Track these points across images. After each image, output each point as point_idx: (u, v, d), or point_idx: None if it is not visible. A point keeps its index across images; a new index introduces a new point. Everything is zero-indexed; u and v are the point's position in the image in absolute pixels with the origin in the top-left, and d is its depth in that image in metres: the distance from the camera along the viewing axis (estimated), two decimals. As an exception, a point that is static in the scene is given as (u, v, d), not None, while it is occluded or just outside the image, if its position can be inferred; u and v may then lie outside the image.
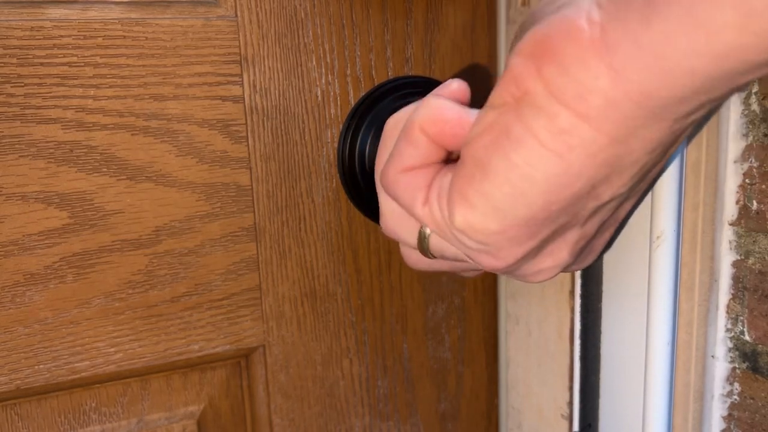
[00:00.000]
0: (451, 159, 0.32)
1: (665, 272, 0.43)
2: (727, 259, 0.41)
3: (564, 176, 0.26)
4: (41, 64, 0.40)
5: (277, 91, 0.45)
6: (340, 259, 0.49)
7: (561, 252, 0.31)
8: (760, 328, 0.40)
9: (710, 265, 0.42)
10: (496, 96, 0.28)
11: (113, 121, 0.42)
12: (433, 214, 0.30)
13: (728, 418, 0.43)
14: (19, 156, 0.40)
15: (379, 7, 0.47)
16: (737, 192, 0.40)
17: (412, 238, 0.34)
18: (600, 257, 0.47)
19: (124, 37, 0.41)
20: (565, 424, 0.49)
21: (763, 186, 0.39)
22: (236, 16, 0.44)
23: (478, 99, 0.52)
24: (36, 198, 0.41)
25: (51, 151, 0.41)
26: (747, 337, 0.41)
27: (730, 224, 0.41)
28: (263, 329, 0.48)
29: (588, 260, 0.36)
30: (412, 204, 0.31)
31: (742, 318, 0.41)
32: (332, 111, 0.47)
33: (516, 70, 0.26)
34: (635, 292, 0.44)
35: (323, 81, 0.46)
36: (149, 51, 0.42)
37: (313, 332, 0.49)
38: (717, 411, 0.43)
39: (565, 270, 0.34)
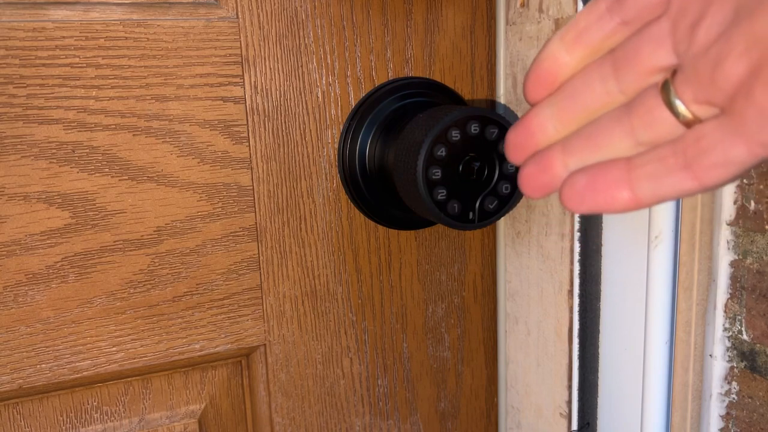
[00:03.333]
0: None
1: (663, 272, 0.43)
2: (725, 258, 0.42)
3: None
4: (43, 65, 0.40)
5: (277, 92, 0.46)
6: (340, 259, 0.49)
7: None
8: (758, 327, 0.40)
9: (708, 265, 0.43)
10: None
11: (115, 121, 0.42)
12: None
13: (726, 416, 0.43)
14: (22, 156, 0.40)
15: (380, 9, 0.47)
16: (735, 192, 0.41)
17: None
18: (599, 256, 0.47)
19: (126, 38, 0.41)
20: (563, 422, 0.49)
21: (761, 186, 0.39)
22: (237, 17, 0.44)
23: (477, 100, 0.52)
24: (38, 198, 0.41)
25: (53, 151, 0.41)
26: (745, 337, 0.41)
27: (728, 224, 0.41)
28: (264, 328, 0.48)
29: None
30: None
31: (740, 317, 0.41)
32: (333, 112, 0.47)
33: None
34: (633, 291, 0.45)
35: (324, 82, 0.47)
36: (151, 52, 0.42)
37: (313, 331, 0.49)
38: (715, 410, 0.44)
39: None
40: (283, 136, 0.46)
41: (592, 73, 0.27)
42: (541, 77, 0.29)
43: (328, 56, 0.46)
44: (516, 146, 0.30)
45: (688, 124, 0.24)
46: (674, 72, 0.24)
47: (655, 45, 0.25)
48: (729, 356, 0.42)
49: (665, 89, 0.24)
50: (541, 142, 0.29)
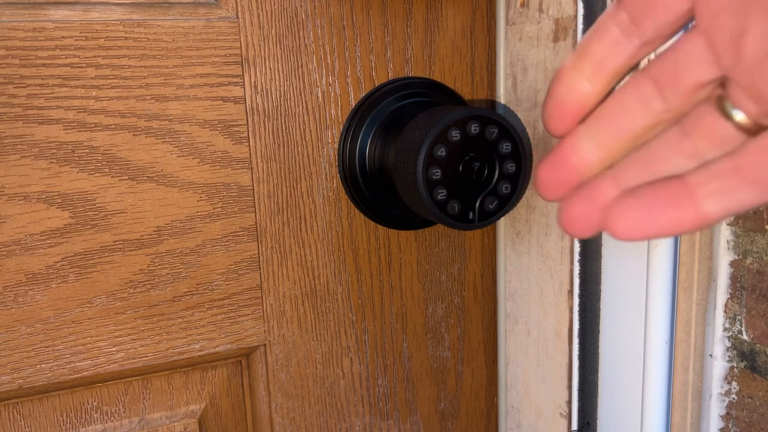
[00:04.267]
0: None
1: (663, 272, 0.43)
2: (725, 258, 0.42)
3: None
4: (43, 65, 0.40)
5: (277, 92, 0.46)
6: (340, 259, 0.49)
7: None
8: (758, 327, 0.40)
9: (708, 265, 0.43)
10: None
11: (115, 121, 0.42)
12: None
13: (726, 416, 0.43)
14: (22, 156, 0.40)
15: (380, 9, 0.47)
16: (735, 192, 0.41)
17: None
18: (599, 256, 0.47)
19: (126, 38, 0.41)
20: (563, 422, 0.49)
21: (761, 186, 0.39)
22: (237, 17, 0.44)
23: (477, 100, 0.52)
24: (38, 198, 0.41)
25: (53, 151, 0.41)
26: (745, 337, 0.41)
27: (728, 224, 0.41)
28: (264, 328, 0.48)
29: None
30: None
31: (740, 317, 0.41)
32: (333, 112, 0.47)
33: None
34: (634, 291, 0.45)
35: (324, 82, 0.47)
36: (151, 52, 0.42)
37: (313, 331, 0.49)
38: (715, 410, 0.44)
39: None
40: (283, 136, 0.46)
41: (629, 97, 0.27)
42: (566, 110, 0.28)
43: (328, 56, 0.46)
44: (553, 183, 0.28)
45: (753, 134, 0.24)
46: (724, 86, 0.24)
47: (695, 61, 0.25)
48: (729, 356, 0.42)
49: (721, 105, 0.24)
50: (585, 176, 0.28)
